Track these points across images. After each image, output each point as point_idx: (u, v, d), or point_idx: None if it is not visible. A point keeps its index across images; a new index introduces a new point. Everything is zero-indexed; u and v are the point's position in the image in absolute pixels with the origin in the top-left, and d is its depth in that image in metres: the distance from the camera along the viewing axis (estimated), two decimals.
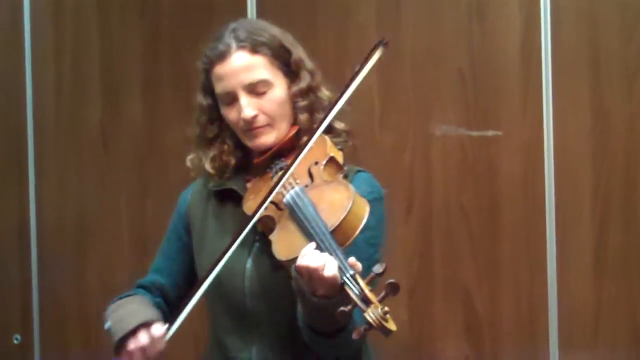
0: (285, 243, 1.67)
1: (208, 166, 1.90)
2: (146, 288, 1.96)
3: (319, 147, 1.81)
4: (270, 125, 1.84)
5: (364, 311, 1.48)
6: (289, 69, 1.86)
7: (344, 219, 1.62)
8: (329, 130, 1.85)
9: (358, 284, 1.51)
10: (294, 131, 1.86)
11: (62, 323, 3.59)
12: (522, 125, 3.03)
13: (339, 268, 1.54)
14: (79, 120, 3.57)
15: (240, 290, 1.81)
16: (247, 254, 1.81)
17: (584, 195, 2.98)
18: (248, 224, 1.72)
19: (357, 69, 1.80)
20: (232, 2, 3.36)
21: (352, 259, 1.56)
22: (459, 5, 3.09)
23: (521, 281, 3.03)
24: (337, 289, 1.54)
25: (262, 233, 1.77)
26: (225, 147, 1.90)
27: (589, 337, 2.97)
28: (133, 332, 1.73)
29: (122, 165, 3.50)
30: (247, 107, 1.81)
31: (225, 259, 1.72)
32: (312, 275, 1.55)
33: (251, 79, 1.81)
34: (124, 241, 3.50)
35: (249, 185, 1.87)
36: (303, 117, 1.85)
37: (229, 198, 1.88)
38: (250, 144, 1.86)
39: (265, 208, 1.74)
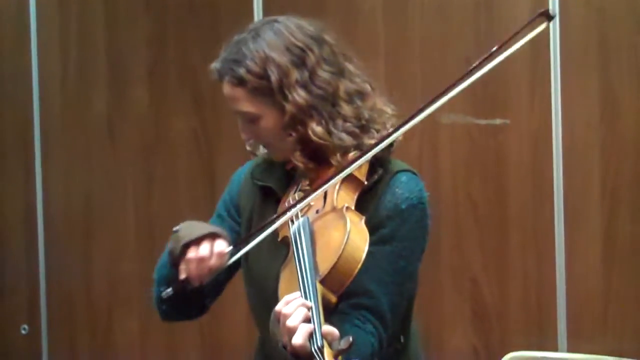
0: (287, 286, 1.60)
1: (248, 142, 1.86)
2: None
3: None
4: (270, 145, 1.80)
5: None
6: (275, 98, 1.72)
7: (334, 265, 1.53)
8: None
9: (323, 357, 1.42)
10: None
11: (69, 313, 3.60)
12: (530, 114, 3.02)
13: (310, 336, 1.45)
14: (85, 110, 3.57)
15: (273, 292, 1.73)
16: (283, 259, 1.74)
17: (593, 185, 2.96)
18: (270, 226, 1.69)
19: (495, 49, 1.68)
20: None
21: (326, 328, 1.45)
22: None
23: (529, 271, 3.02)
24: (305, 354, 1.45)
25: None
26: None
27: (597, 327, 2.96)
28: (197, 242, 1.68)
29: (128, 155, 3.50)
30: (242, 131, 1.80)
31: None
32: (282, 328, 1.49)
33: (236, 109, 1.76)
34: (131, 230, 3.50)
35: (289, 188, 1.81)
36: (294, 156, 1.74)
37: (271, 195, 1.82)
38: None
39: (282, 225, 1.69)
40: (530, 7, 3.00)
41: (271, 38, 1.74)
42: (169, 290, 1.73)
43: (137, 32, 3.48)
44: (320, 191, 1.66)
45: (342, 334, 1.53)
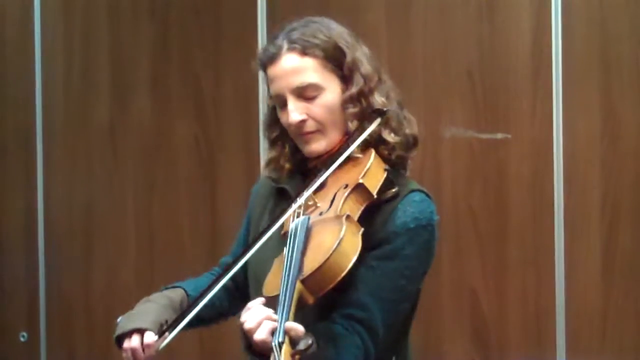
0: (273, 277, 1.63)
1: (265, 169, 1.89)
2: (221, 266, 1.99)
3: (357, 167, 1.72)
4: (320, 131, 1.77)
5: None
6: (344, 72, 1.77)
7: (319, 268, 1.54)
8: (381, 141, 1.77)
9: (280, 355, 1.45)
10: (345, 139, 1.77)
11: (68, 320, 3.60)
12: (532, 128, 3.02)
13: (272, 332, 1.50)
14: (87, 117, 3.57)
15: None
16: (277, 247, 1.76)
17: (593, 199, 2.96)
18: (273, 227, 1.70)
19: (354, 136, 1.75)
20: (241, 0, 3.36)
21: (289, 325, 1.48)
22: (469, 5, 3.08)
23: (529, 284, 3.01)
24: (267, 349, 1.50)
25: None
26: (285, 150, 1.85)
27: (596, 341, 2.95)
28: (129, 334, 1.79)
29: (130, 163, 3.50)
30: (294, 111, 1.75)
31: (239, 265, 1.71)
32: (246, 331, 1.55)
33: (299, 82, 1.74)
34: (131, 238, 3.51)
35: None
36: (352, 125, 1.75)
37: (285, 197, 1.82)
38: (302, 149, 1.80)
39: (287, 221, 1.70)
40: (533, 19, 3.01)
41: (331, 24, 1.83)
42: None
43: (141, 39, 3.49)
44: (317, 182, 1.70)
45: (329, 337, 1.58)
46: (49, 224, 3.63)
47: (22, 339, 3.68)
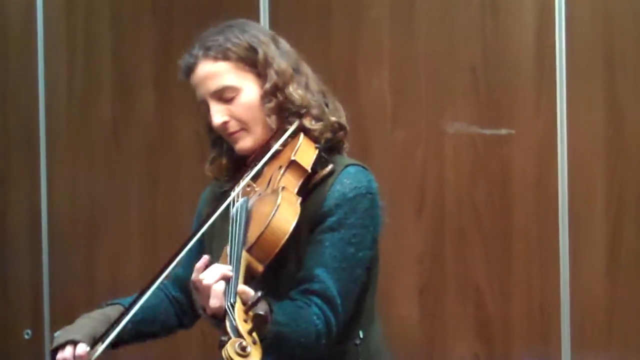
0: (222, 260, 1.67)
1: (207, 168, 1.96)
2: (171, 279, 2.04)
3: (288, 150, 1.81)
4: (244, 129, 1.85)
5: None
6: (259, 70, 1.85)
7: (260, 235, 1.62)
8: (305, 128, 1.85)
9: (233, 314, 1.48)
10: (272, 133, 1.86)
11: (72, 318, 3.54)
12: (535, 124, 3.01)
13: (224, 294, 1.53)
14: (90, 114, 3.58)
15: None
16: None
17: (598, 195, 2.96)
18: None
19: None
20: None
21: (241, 288, 1.53)
22: (472, 1, 3.08)
23: (533, 280, 3.01)
24: (221, 313, 1.53)
25: None
26: (223, 149, 1.93)
27: (601, 337, 2.95)
28: (62, 347, 1.84)
29: (133, 160, 3.51)
30: (216, 114, 1.84)
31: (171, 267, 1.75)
32: (200, 293, 1.59)
33: (216, 86, 1.83)
34: (135, 235, 3.51)
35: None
36: (270, 120, 1.84)
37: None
38: (234, 148, 1.88)
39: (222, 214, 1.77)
40: (537, 13, 3.00)
41: (245, 26, 1.89)
42: None
43: (144, 37, 3.49)
44: (253, 171, 1.79)
45: (287, 311, 1.63)
46: (53, 220, 3.63)
47: (26, 337, 3.69)
